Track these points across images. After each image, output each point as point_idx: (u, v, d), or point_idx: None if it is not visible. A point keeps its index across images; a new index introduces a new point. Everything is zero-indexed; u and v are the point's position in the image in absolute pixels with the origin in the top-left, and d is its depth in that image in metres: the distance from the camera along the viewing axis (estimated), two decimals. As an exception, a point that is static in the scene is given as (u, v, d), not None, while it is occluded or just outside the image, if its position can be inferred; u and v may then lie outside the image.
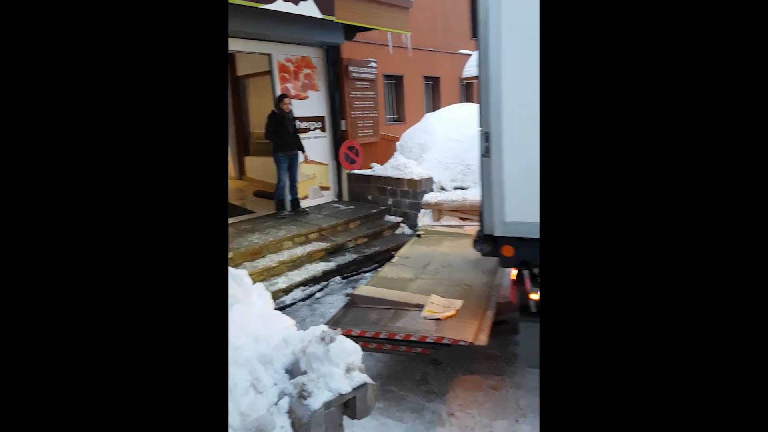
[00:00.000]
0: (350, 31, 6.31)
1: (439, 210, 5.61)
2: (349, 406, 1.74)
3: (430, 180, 5.92)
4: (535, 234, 2.13)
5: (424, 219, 5.64)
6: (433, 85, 9.88)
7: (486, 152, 2.16)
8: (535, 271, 2.44)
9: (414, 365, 2.93)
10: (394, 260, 3.80)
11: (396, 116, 8.86)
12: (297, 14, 5.00)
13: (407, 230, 5.77)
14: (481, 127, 2.18)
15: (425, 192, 5.80)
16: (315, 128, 6.44)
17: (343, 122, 6.64)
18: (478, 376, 2.78)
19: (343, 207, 6.20)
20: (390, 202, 6.10)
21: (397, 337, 2.47)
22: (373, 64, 7.06)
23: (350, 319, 2.82)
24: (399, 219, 5.92)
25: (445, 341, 2.38)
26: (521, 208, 2.14)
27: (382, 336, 2.48)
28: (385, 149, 7.10)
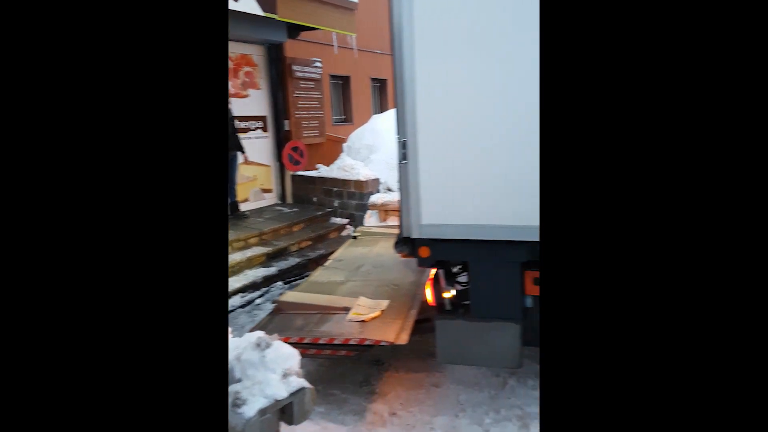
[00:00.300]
0: (294, 30, 6.19)
1: (385, 211, 5.65)
2: (286, 411, 1.70)
3: (376, 181, 5.96)
4: (449, 235, 2.28)
5: (371, 220, 5.66)
6: (380, 86, 9.97)
7: (403, 159, 2.25)
8: (455, 269, 2.57)
9: (356, 367, 2.93)
10: (327, 264, 3.80)
11: (343, 117, 8.82)
12: (236, 11, 4.82)
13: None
14: (398, 135, 2.28)
15: (372, 193, 5.83)
16: (256, 128, 6.24)
17: (286, 122, 6.49)
18: (420, 374, 2.83)
19: (286, 210, 6.06)
20: (336, 203, 6.06)
21: (320, 341, 2.49)
22: (319, 64, 6.98)
23: (274, 326, 2.78)
24: (345, 221, 5.89)
25: (367, 342, 2.43)
26: (436, 212, 2.26)
27: (305, 341, 2.49)
28: (332, 150, 7.04)
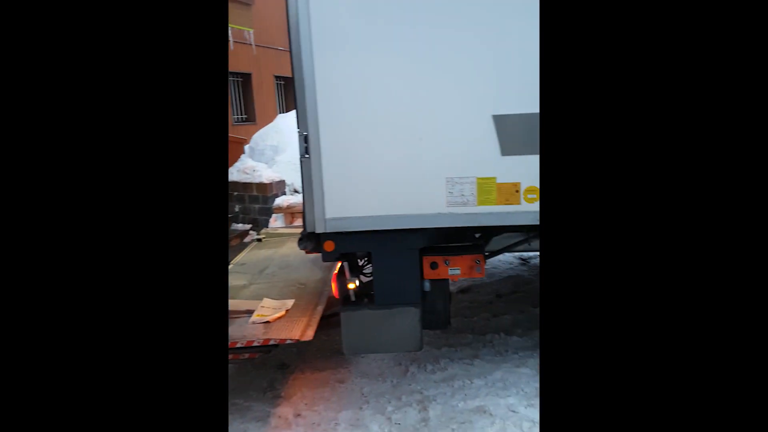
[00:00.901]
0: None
1: (291, 213, 5.56)
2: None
3: (282, 183, 5.83)
4: (353, 227, 2.33)
5: (276, 224, 5.53)
6: (285, 84, 9.74)
7: (306, 153, 2.26)
8: (360, 261, 2.65)
9: (260, 373, 2.85)
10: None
11: (245, 117, 8.46)
12: None
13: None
14: (299, 128, 2.27)
15: (277, 196, 5.69)
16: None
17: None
18: (325, 372, 2.85)
19: (183, 214, 5.63)
20: (237, 208, 5.79)
21: None
22: (214, 61, 6.60)
23: None
24: (248, 226, 5.66)
25: (272, 342, 2.40)
26: (340, 205, 2.30)
27: None
28: (232, 152, 6.67)
